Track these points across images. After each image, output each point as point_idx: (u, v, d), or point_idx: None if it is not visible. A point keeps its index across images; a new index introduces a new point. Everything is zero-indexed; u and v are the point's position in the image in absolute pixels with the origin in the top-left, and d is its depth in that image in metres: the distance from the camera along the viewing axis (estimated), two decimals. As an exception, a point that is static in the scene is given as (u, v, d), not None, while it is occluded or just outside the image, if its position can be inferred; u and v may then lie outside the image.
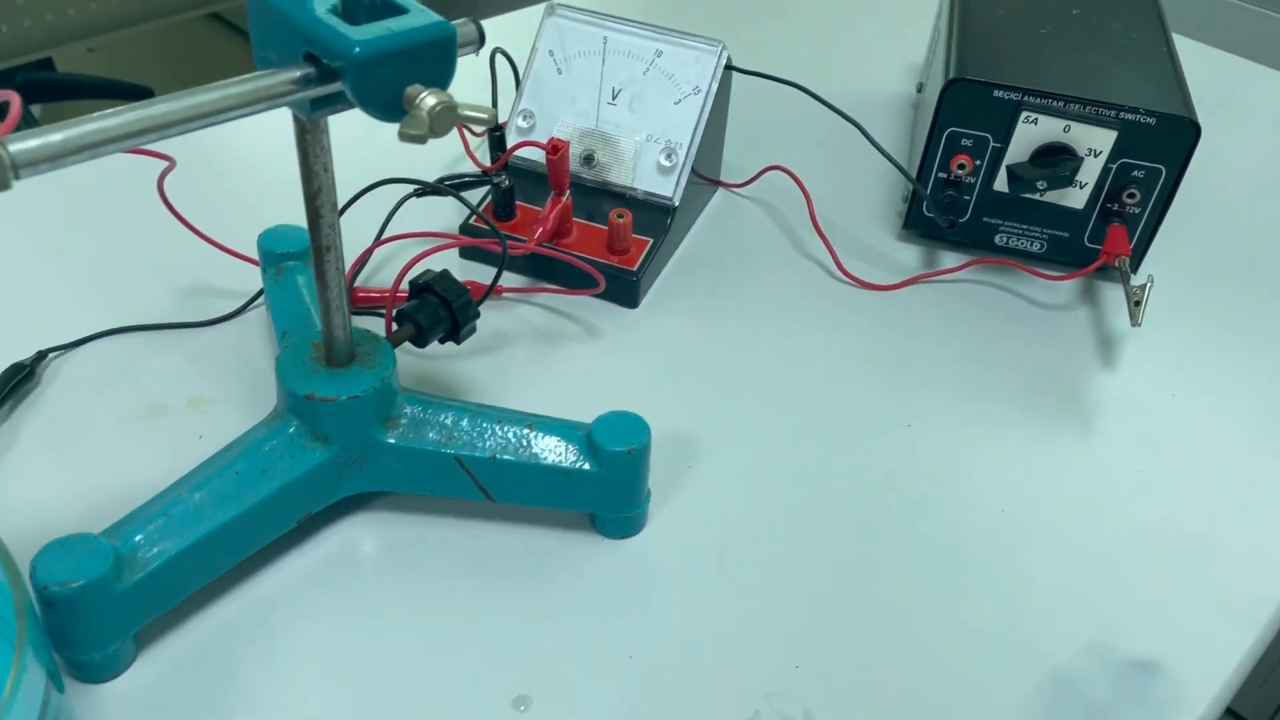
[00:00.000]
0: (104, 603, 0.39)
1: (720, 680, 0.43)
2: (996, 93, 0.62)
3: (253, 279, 0.59)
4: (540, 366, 0.57)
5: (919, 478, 0.53)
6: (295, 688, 0.42)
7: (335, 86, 0.34)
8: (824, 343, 0.61)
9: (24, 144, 0.29)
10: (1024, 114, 0.62)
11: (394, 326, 0.49)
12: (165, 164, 0.54)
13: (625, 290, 0.61)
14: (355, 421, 0.45)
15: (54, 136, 0.29)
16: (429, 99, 0.33)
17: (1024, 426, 0.57)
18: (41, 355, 0.53)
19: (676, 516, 0.50)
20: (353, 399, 0.44)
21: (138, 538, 0.40)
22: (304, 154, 0.39)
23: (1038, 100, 0.62)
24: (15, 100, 0.31)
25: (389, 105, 0.34)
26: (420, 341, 0.49)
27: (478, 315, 0.50)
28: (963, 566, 0.49)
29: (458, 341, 0.50)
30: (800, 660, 0.44)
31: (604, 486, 0.46)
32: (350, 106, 0.36)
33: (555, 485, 0.46)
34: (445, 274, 0.49)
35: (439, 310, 0.49)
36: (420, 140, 0.32)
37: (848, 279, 0.65)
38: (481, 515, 0.49)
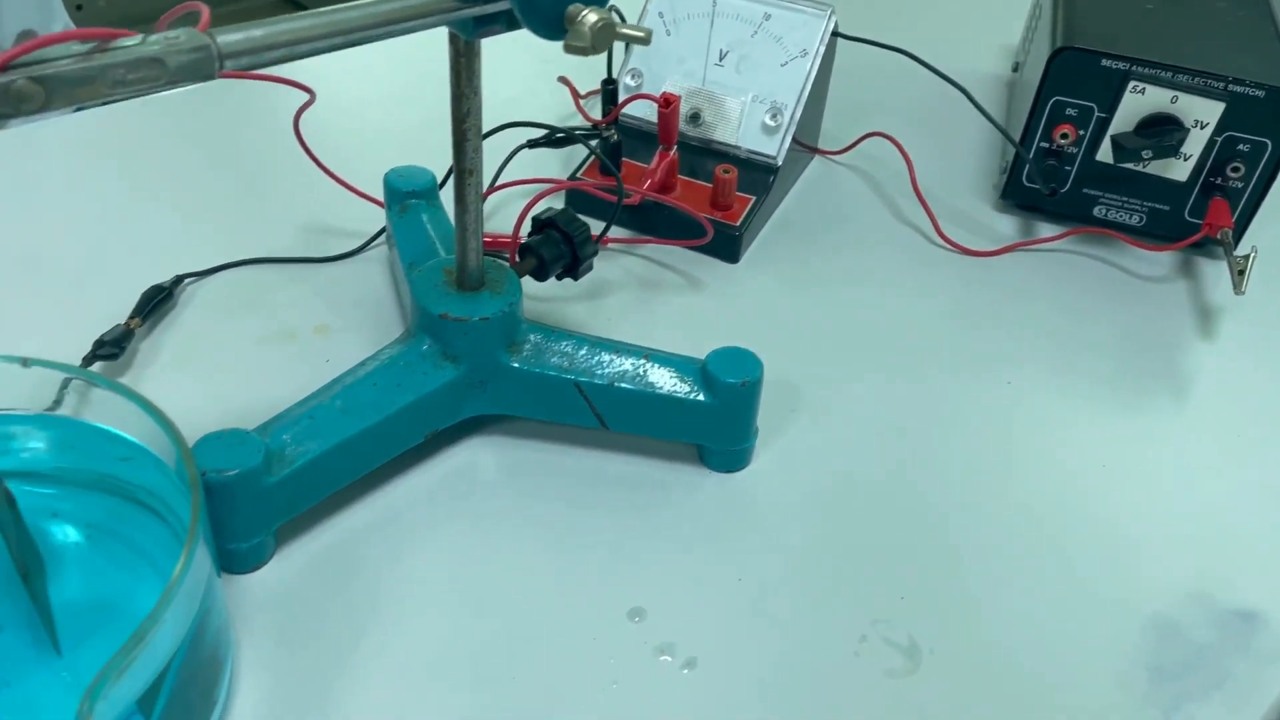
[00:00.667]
0: (254, 494, 0.41)
1: (827, 606, 0.45)
2: (1105, 62, 0.63)
3: (372, 219, 0.61)
4: (644, 314, 0.59)
5: (1017, 431, 0.54)
6: (422, 591, 0.44)
7: (502, 4, 0.36)
8: (922, 305, 0.62)
9: (230, 36, 0.31)
10: (1132, 84, 0.63)
11: (517, 260, 0.51)
12: (306, 98, 0.56)
13: (727, 245, 0.63)
14: (483, 343, 0.47)
15: (255, 32, 0.31)
16: (590, 15, 0.35)
17: (1121, 390, 0.57)
18: (179, 280, 0.56)
19: (781, 456, 0.51)
20: (483, 320, 0.46)
21: (285, 436, 0.43)
22: (457, 76, 0.41)
23: (1146, 70, 0.62)
24: (205, 10, 0.33)
25: (551, 23, 0.36)
26: (541, 275, 0.51)
27: (596, 252, 0.52)
28: (1063, 515, 0.50)
29: (575, 277, 0.52)
30: (905, 593, 0.45)
31: (716, 418, 0.48)
32: (507, 30, 0.38)
33: (669, 415, 0.48)
34: (567, 210, 0.51)
35: (561, 245, 0.51)
36: (584, 53, 0.34)
37: (947, 244, 0.66)
38: (593, 444, 0.51)
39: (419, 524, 0.46)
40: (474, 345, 0.47)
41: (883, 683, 0.42)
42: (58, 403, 0.40)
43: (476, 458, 0.50)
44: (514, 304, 0.47)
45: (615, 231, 0.64)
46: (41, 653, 0.37)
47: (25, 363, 0.39)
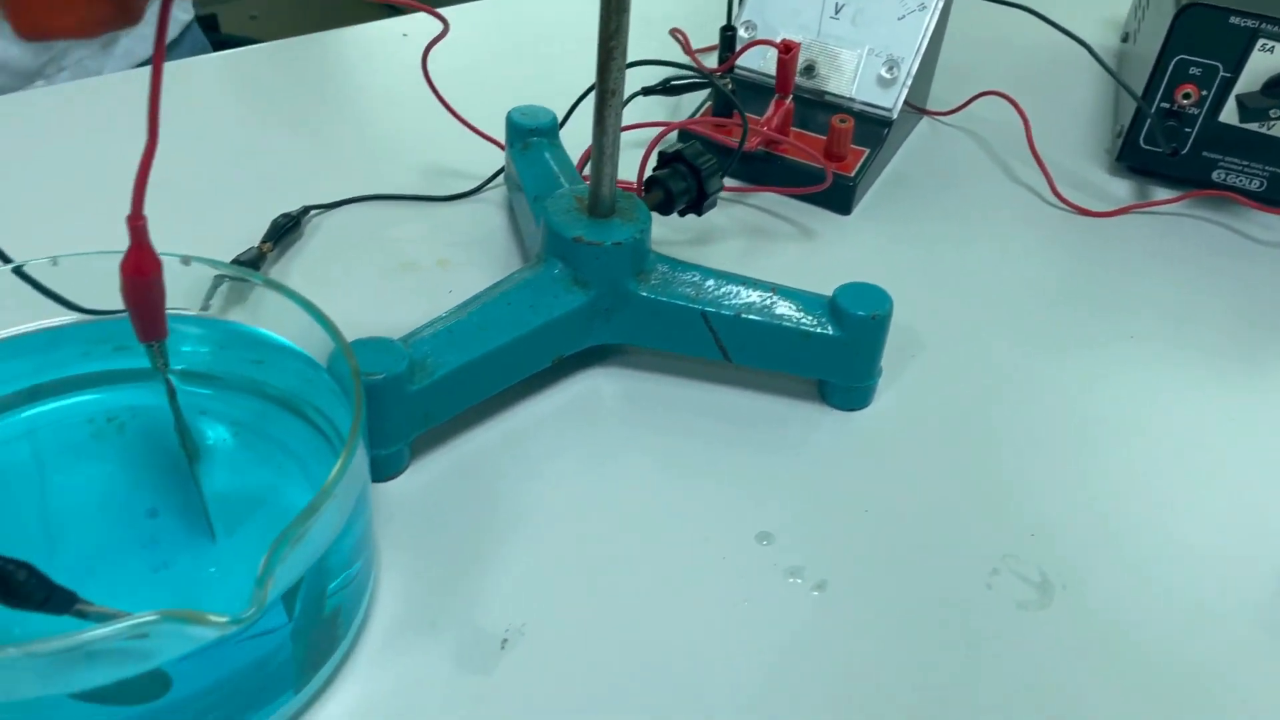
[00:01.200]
0: (399, 399, 0.42)
1: (956, 540, 0.44)
2: (1232, 19, 0.62)
3: (488, 162, 0.62)
4: (755, 261, 0.59)
5: (1139, 385, 0.53)
6: (550, 507, 0.44)
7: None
8: (1037, 263, 0.61)
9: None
10: (1260, 41, 0.61)
11: (643, 193, 0.52)
12: (439, 30, 0.57)
13: (841, 195, 0.63)
14: (613, 269, 0.47)
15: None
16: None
17: (1242, 350, 0.56)
18: (305, 210, 0.57)
19: (902, 397, 0.51)
20: (615, 245, 0.46)
21: (426, 348, 0.43)
22: (608, -6, 0.41)
23: (1276, 28, 0.61)
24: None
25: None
26: (667, 208, 0.51)
27: (721, 188, 0.52)
28: (1193, 459, 0.49)
29: (699, 212, 0.52)
30: (1034, 530, 0.45)
31: (843, 352, 0.48)
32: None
33: (795, 348, 0.48)
34: (694, 144, 0.52)
35: (688, 179, 0.51)
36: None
37: (1063, 204, 0.65)
38: (714, 378, 0.51)
39: (544, 446, 0.47)
40: (604, 271, 0.47)
41: (1015, 615, 0.42)
42: (211, 303, 0.41)
43: (598, 387, 0.50)
44: (644, 231, 0.47)
45: (726, 181, 0.64)
46: (197, 538, 0.38)
47: (186, 260, 0.40)
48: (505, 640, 0.39)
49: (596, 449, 0.47)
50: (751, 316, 0.48)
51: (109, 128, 0.64)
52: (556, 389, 0.49)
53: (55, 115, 0.66)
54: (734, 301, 0.48)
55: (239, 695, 0.34)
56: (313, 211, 0.58)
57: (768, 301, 0.48)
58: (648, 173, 0.52)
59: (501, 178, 0.61)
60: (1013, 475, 0.48)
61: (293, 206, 0.57)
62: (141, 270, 0.33)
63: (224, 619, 0.29)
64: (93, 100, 0.67)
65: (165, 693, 0.32)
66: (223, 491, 0.39)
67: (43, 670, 0.29)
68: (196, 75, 0.71)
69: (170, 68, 0.71)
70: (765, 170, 0.63)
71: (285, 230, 0.56)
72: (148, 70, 0.72)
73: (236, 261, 0.52)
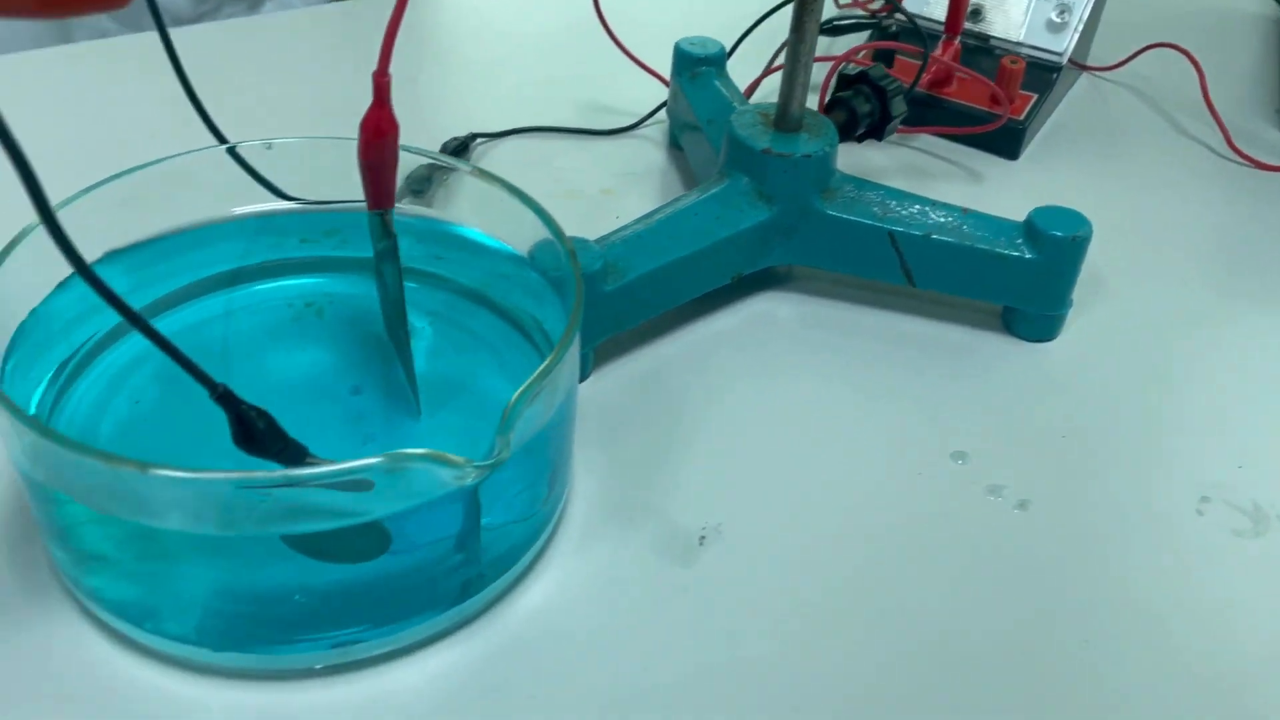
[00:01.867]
0: (592, 299, 0.41)
1: (1160, 469, 0.42)
2: None
3: (644, 100, 0.62)
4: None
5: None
6: (734, 419, 0.43)
7: None
8: (1216, 213, 0.59)
9: None
10: None
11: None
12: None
13: (1008, 139, 0.61)
14: (799, 183, 0.46)
15: None
16: None
17: None
18: (473, 137, 0.58)
19: (1090, 332, 0.49)
20: (805, 157, 0.45)
21: (617, 251, 0.43)
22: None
23: None
24: None
25: None
26: (849, 130, 0.50)
27: (905, 111, 0.51)
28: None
29: (881, 136, 0.51)
30: (1242, 462, 0.43)
31: (1038, 276, 0.46)
32: None
33: (985, 272, 0.46)
34: (878, 65, 0.50)
35: (871, 100, 0.50)
36: None
37: (1240, 158, 0.63)
38: (890, 305, 0.49)
39: (725, 363, 0.46)
40: (790, 185, 0.46)
41: (1230, 541, 0.39)
42: (409, 194, 0.41)
43: (773, 310, 0.49)
44: (833, 146, 0.46)
45: (886, 126, 0.63)
46: (400, 416, 0.37)
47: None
48: (703, 537, 0.38)
49: (776, 367, 0.46)
50: (941, 237, 0.46)
51: (267, 66, 0.65)
52: (731, 310, 0.48)
53: (216, 49, 0.67)
54: (923, 221, 0.46)
55: (446, 572, 0.34)
56: (479, 139, 0.58)
57: (958, 223, 0.47)
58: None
59: (661, 114, 0.61)
60: (1213, 411, 0.45)
61: (460, 132, 0.57)
62: (381, 130, 0.33)
63: (470, 462, 0.29)
64: (247, 37, 0.68)
65: (383, 551, 0.32)
66: (422, 375, 0.38)
67: (287, 503, 0.29)
68: (369, 10, 0.72)
69: (338, 7, 0.73)
70: (928, 114, 0.62)
71: (454, 152, 0.56)
72: (293, 14, 0.74)
73: (410, 177, 0.52)
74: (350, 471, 0.28)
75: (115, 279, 0.37)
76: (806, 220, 0.47)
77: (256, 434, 0.30)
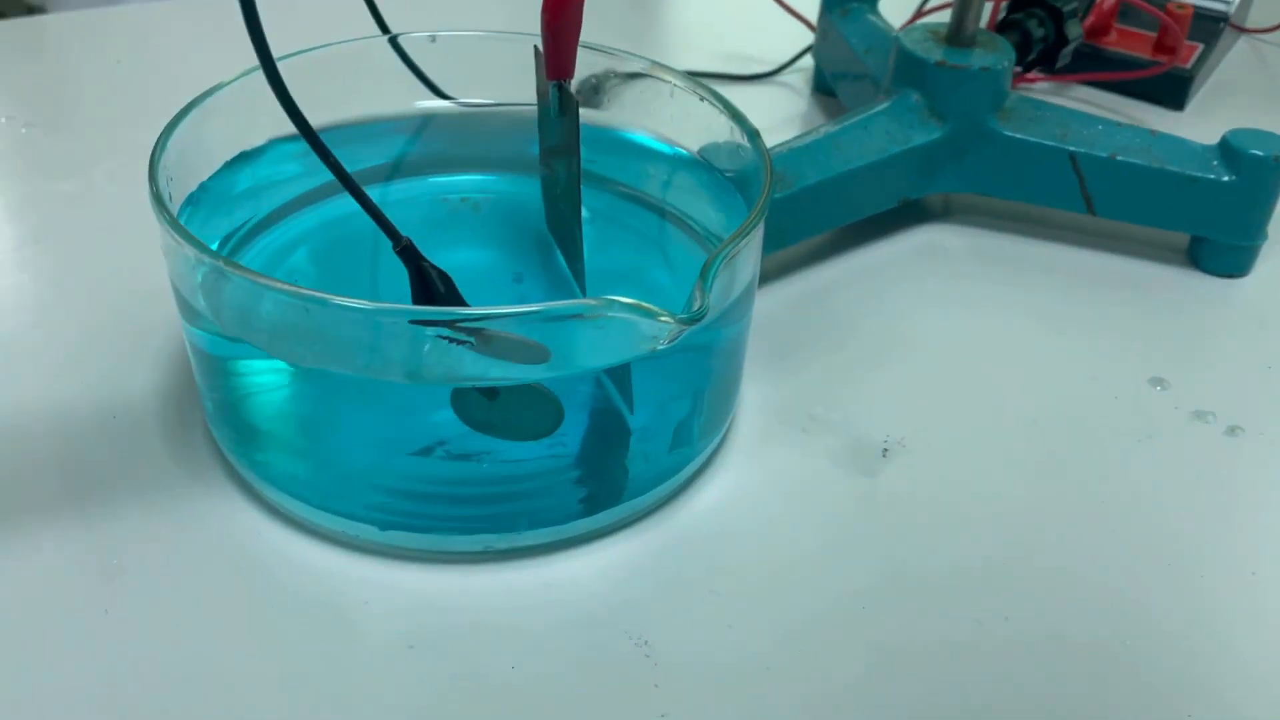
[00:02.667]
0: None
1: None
2: None
3: (782, 49, 0.60)
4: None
5: None
6: (911, 339, 0.40)
7: None
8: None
9: None
10: None
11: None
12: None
13: (1174, 88, 0.57)
14: (974, 99, 0.43)
15: None
16: None
17: None
18: (608, 74, 0.56)
19: (1283, 270, 0.45)
20: (983, 70, 0.43)
21: (784, 162, 0.41)
22: None
23: None
24: None
25: None
26: (1022, 54, 0.47)
27: (1080, 37, 0.48)
28: None
29: (1054, 63, 0.48)
30: None
31: (1235, 201, 0.42)
32: None
33: (1174, 197, 0.43)
34: (1053, -11, 0.48)
35: (1045, 23, 0.47)
36: None
37: None
38: (1063, 238, 0.46)
39: (894, 287, 0.43)
40: (965, 101, 0.43)
41: None
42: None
43: (940, 240, 0.46)
44: (1010, 62, 0.44)
45: (1045, 73, 0.60)
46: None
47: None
48: (886, 449, 0.35)
49: (949, 296, 0.43)
50: (1128, 159, 0.43)
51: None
52: (894, 240, 0.46)
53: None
54: (1108, 141, 0.43)
55: (613, 464, 0.32)
56: (613, 79, 0.57)
57: (1147, 142, 0.43)
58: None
59: (804, 61, 0.59)
60: None
61: (596, 70, 0.56)
62: (566, -3, 0.32)
63: (672, 315, 0.26)
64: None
65: (556, 427, 0.30)
66: (588, 267, 0.36)
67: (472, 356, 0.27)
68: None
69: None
70: (1085, 65, 0.59)
71: (588, 90, 0.54)
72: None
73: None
74: (555, 310, 0.26)
75: (281, 164, 0.36)
76: (980, 141, 0.44)
77: (436, 293, 0.29)
